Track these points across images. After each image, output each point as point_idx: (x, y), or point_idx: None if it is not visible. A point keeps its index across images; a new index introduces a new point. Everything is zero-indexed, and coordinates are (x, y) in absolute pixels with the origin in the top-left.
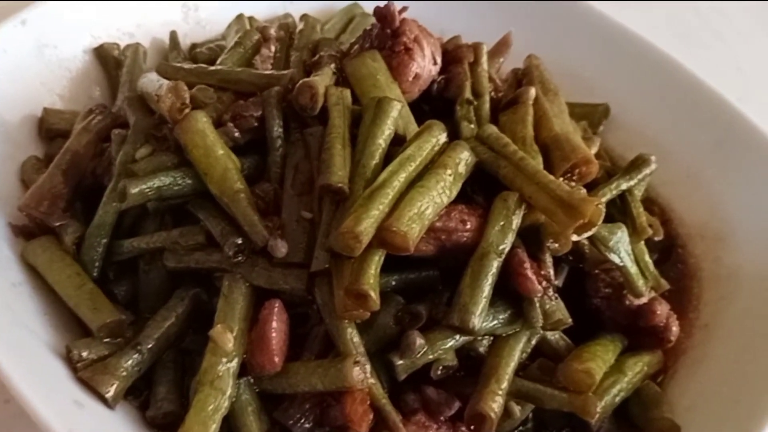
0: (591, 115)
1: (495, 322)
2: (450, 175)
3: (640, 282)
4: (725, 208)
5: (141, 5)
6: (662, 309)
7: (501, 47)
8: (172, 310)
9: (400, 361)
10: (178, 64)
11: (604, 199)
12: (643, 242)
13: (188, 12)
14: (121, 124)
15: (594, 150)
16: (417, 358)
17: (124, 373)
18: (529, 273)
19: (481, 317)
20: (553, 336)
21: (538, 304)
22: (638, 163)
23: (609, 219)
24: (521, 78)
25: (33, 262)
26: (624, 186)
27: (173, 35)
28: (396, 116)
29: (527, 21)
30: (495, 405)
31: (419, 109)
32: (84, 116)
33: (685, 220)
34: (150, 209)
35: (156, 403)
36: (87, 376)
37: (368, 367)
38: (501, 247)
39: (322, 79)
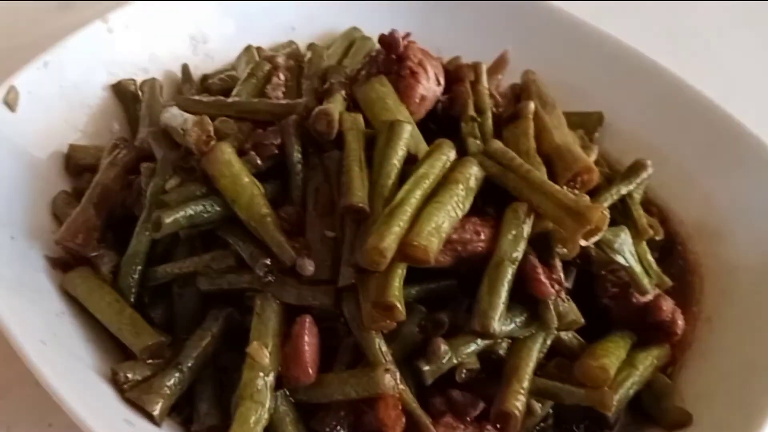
0: (586, 124)
1: (513, 325)
2: (462, 189)
3: (645, 280)
4: (720, 205)
5: (151, 41)
6: (667, 305)
7: (499, 64)
8: (207, 330)
9: (427, 367)
10: (197, 98)
11: (606, 204)
12: (644, 242)
13: (197, 45)
14: (145, 157)
15: (593, 158)
16: (442, 363)
17: (168, 392)
18: (543, 277)
19: (500, 322)
20: (567, 336)
21: (552, 307)
22: (636, 167)
23: (611, 222)
24: (519, 93)
25: (73, 292)
26: (624, 190)
27: (185, 68)
28: (408, 137)
29: (519, 35)
30: (518, 403)
31: (426, 128)
32: (110, 151)
33: (682, 218)
34: (182, 236)
35: (200, 418)
36: (134, 396)
37: (398, 374)
38: (514, 255)
39: (336, 106)
